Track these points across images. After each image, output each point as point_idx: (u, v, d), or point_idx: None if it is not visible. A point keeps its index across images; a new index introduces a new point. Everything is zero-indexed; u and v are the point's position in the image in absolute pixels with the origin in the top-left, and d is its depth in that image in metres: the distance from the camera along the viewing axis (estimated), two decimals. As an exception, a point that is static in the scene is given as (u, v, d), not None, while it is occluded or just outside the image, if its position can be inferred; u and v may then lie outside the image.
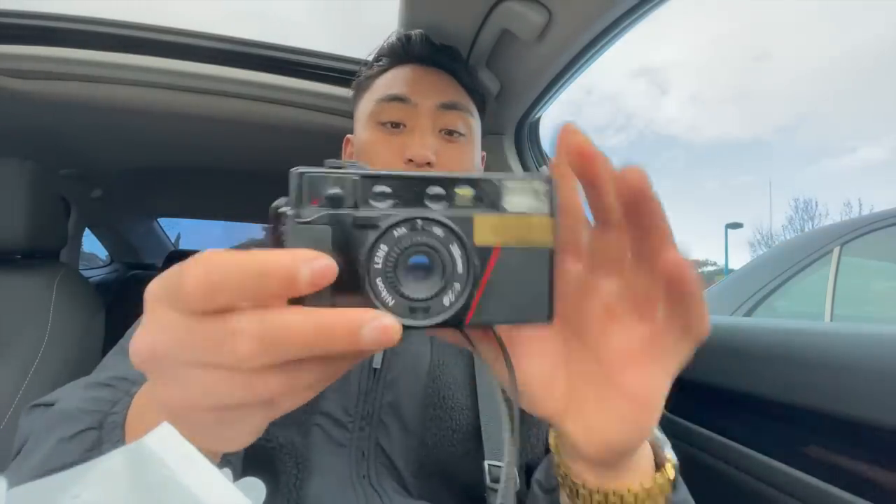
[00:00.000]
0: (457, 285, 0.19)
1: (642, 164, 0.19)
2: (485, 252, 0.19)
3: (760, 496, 0.53)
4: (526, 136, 0.92)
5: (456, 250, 0.18)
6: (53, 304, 0.89)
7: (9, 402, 0.79)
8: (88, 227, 1.88)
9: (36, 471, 0.29)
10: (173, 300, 0.18)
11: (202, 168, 1.42)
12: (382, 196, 0.19)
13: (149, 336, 0.19)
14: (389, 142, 0.53)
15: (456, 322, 0.19)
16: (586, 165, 0.20)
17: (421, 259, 0.18)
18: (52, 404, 0.38)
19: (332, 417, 0.45)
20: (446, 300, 0.19)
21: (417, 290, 0.18)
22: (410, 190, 0.19)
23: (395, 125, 0.53)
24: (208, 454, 0.19)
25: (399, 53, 0.58)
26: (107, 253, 2.15)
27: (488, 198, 0.19)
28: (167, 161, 1.36)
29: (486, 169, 0.70)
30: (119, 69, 0.84)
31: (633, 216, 0.20)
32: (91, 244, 2.05)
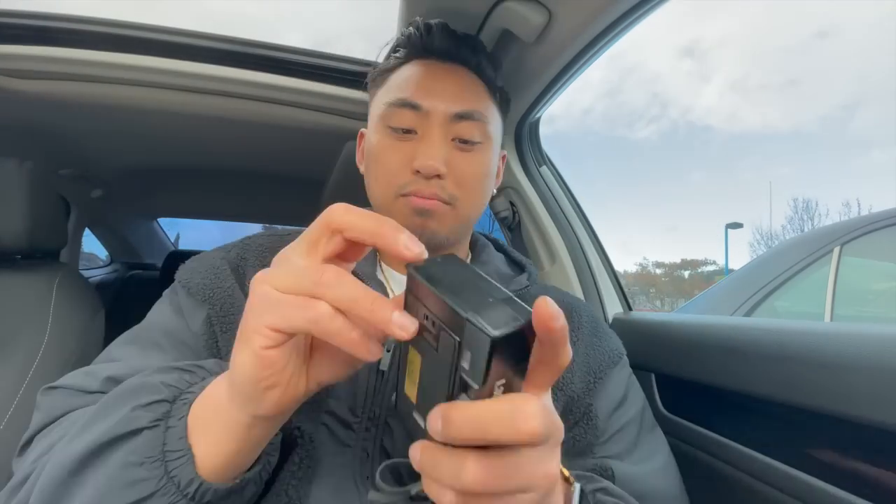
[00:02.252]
0: None
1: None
2: None
3: (760, 496, 0.53)
4: (526, 136, 0.92)
5: None
6: (53, 304, 0.89)
7: (9, 402, 0.79)
8: (88, 227, 1.88)
9: (99, 438, 0.29)
10: None
11: (202, 168, 1.42)
12: None
13: (284, 252, 0.28)
14: (399, 148, 0.51)
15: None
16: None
17: None
18: (65, 387, 0.41)
19: (338, 417, 0.45)
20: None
21: None
22: None
23: (406, 131, 0.51)
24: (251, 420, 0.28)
25: (417, 46, 0.54)
26: (107, 253, 2.15)
27: None
28: (167, 161, 1.36)
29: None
30: (119, 69, 0.84)
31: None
32: (91, 244, 2.05)
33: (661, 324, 0.74)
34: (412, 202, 0.49)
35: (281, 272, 0.26)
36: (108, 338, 0.98)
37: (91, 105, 0.91)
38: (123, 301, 1.89)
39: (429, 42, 0.53)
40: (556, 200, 0.94)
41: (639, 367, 0.75)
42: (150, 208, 2.03)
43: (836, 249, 1.57)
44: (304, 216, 1.72)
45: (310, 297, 0.25)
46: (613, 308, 0.89)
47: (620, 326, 0.83)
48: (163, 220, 2.30)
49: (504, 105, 0.58)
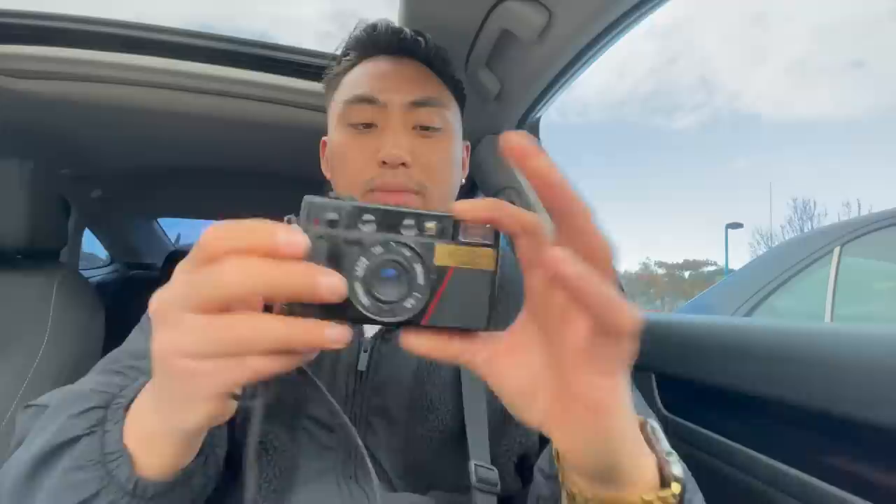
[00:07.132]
0: (417, 294, 0.24)
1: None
2: (442, 271, 0.24)
3: (760, 496, 0.53)
4: (526, 136, 0.92)
5: (419, 268, 0.24)
6: (53, 304, 0.89)
7: (9, 402, 0.79)
8: (88, 227, 1.88)
9: (43, 447, 0.31)
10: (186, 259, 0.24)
11: (202, 168, 1.42)
12: (368, 223, 0.24)
13: (162, 290, 0.24)
14: (361, 144, 0.50)
15: (415, 322, 0.24)
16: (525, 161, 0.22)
17: (391, 272, 0.24)
18: (47, 406, 0.39)
19: (318, 421, 0.45)
20: (408, 304, 0.24)
21: (387, 294, 0.24)
22: (389, 220, 0.24)
23: (367, 126, 0.51)
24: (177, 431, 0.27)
25: (366, 46, 0.54)
26: (107, 253, 2.15)
27: (448, 231, 0.25)
28: (167, 161, 1.36)
29: (473, 162, 0.66)
30: (119, 69, 0.84)
31: (550, 207, 0.22)
32: (91, 244, 2.05)
33: (661, 324, 0.74)
34: (381, 200, 0.49)
35: (179, 337, 0.23)
36: (108, 338, 0.98)
37: (91, 105, 0.91)
38: (123, 301, 1.88)
39: (375, 40, 0.54)
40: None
41: (639, 368, 0.75)
42: (150, 208, 2.03)
43: (836, 249, 1.57)
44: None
45: (234, 356, 0.22)
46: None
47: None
48: (163, 220, 2.29)
49: (461, 96, 0.58)
